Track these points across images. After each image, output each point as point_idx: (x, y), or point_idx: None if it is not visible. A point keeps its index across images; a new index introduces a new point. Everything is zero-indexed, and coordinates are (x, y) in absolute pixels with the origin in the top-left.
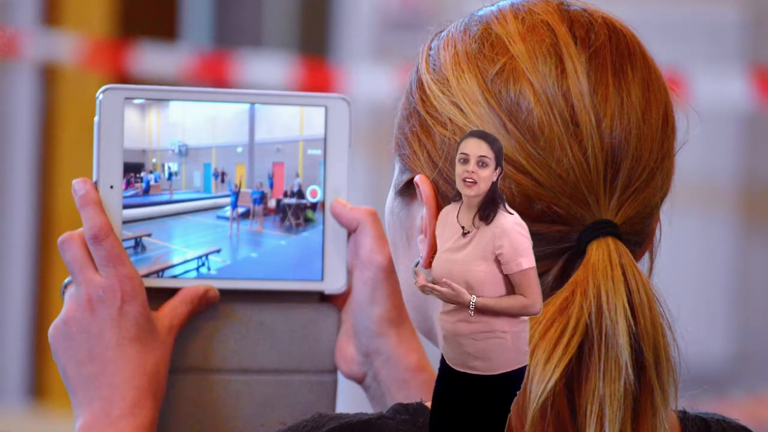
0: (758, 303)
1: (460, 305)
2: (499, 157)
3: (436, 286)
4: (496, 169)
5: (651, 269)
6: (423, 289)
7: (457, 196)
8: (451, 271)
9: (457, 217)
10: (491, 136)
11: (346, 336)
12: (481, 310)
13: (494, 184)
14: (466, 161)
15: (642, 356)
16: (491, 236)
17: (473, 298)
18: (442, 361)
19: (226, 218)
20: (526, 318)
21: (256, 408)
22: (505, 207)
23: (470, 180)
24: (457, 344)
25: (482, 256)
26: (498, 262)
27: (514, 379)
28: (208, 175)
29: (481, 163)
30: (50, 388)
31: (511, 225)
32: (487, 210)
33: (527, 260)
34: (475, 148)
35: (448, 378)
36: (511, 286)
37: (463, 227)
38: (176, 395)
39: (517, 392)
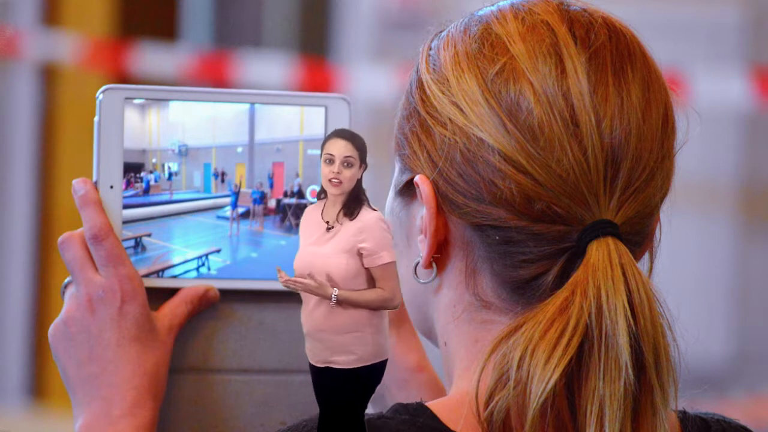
0: (758, 303)
1: (323, 297)
2: (363, 155)
3: (299, 279)
4: (360, 166)
5: (651, 269)
6: (286, 284)
7: (322, 195)
8: (313, 263)
9: (322, 213)
10: (355, 134)
11: None
12: (343, 303)
13: (359, 181)
14: (331, 162)
15: (642, 356)
16: (355, 231)
17: (335, 291)
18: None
19: (226, 218)
20: (385, 312)
21: (256, 408)
22: (368, 203)
23: (336, 180)
24: (319, 340)
25: (345, 249)
26: (360, 255)
27: (375, 372)
28: (208, 175)
29: (347, 163)
30: (50, 388)
31: (374, 221)
32: (351, 206)
33: (389, 254)
34: (341, 149)
35: (313, 375)
36: (371, 280)
37: (327, 222)
38: (176, 395)
39: (377, 385)
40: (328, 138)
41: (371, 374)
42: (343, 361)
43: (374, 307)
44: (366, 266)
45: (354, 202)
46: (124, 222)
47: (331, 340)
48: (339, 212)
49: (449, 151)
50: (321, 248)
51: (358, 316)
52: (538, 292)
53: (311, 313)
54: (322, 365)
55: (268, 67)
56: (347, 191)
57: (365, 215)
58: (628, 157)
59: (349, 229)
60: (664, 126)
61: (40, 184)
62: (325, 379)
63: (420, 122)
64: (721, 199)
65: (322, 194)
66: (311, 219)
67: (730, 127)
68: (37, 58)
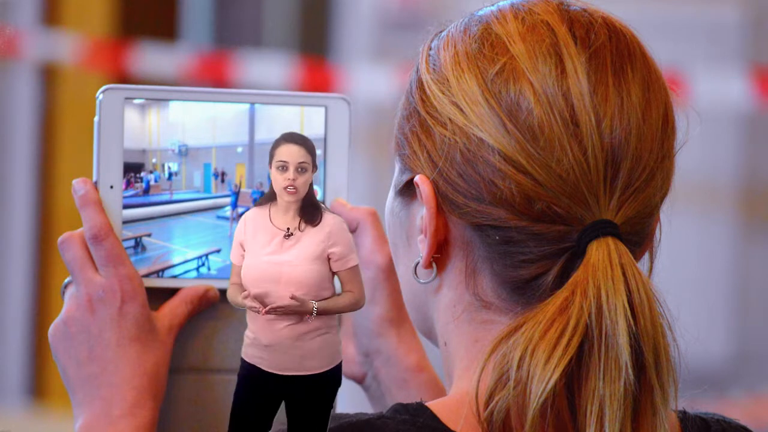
0: (758, 303)
1: (304, 313)
2: (315, 158)
3: (283, 305)
4: (312, 170)
5: (651, 269)
6: (269, 312)
7: (264, 200)
8: (279, 273)
9: (271, 220)
10: (305, 138)
11: (346, 336)
12: (321, 314)
13: (311, 185)
14: (285, 168)
15: (642, 356)
16: (323, 236)
17: (315, 305)
18: (249, 370)
19: (226, 218)
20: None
21: None
22: (324, 206)
23: (292, 188)
24: (286, 349)
25: (314, 256)
26: (328, 260)
27: (339, 372)
28: (208, 175)
29: (301, 169)
30: (50, 388)
31: (340, 224)
32: (311, 212)
33: (355, 257)
34: (294, 154)
35: (262, 386)
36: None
37: (288, 229)
38: (176, 395)
39: (340, 385)
40: (277, 143)
41: (337, 375)
42: (315, 365)
43: (347, 311)
44: (334, 270)
45: (312, 207)
46: (124, 222)
47: (299, 348)
48: (300, 220)
49: (449, 151)
50: (282, 257)
51: (325, 318)
52: (538, 292)
53: (271, 325)
54: (290, 374)
55: (268, 67)
56: (302, 197)
57: (329, 220)
58: (628, 157)
59: (315, 235)
60: (664, 126)
61: (40, 184)
62: (290, 387)
63: (420, 122)
64: (721, 199)
65: (267, 199)
66: (260, 226)
67: (730, 127)
68: (37, 58)
